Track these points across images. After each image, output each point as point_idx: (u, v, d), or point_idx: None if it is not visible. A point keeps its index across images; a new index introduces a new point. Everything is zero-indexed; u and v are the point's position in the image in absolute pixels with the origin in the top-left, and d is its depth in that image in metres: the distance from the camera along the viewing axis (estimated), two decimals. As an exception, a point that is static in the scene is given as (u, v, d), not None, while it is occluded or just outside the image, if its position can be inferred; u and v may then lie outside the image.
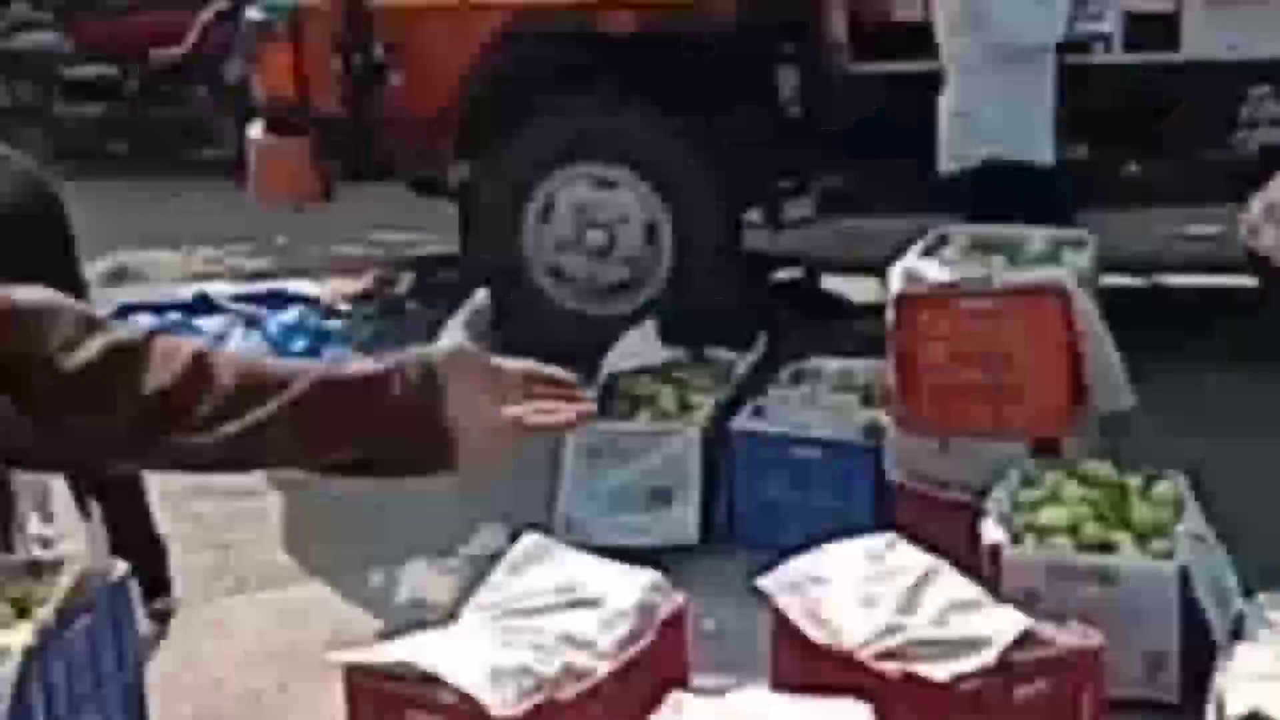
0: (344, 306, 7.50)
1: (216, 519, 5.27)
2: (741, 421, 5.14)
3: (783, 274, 7.86)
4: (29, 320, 1.64)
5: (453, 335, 4.73)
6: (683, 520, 5.01)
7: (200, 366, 1.67)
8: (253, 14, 7.03)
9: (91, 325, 1.66)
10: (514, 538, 3.70)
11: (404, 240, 8.61)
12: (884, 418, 4.95)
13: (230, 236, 8.32)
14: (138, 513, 4.48)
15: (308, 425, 1.68)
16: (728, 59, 6.70)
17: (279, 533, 5.24)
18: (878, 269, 5.08)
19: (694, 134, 6.60)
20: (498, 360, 1.75)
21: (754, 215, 7.00)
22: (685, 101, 6.60)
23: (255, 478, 4.99)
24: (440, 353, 1.74)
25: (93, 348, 1.64)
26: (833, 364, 5.64)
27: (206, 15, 9.91)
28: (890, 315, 4.71)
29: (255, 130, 7.00)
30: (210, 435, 1.65)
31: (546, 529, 4.28)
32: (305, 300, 7.41)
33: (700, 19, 6.59)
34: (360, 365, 1.73)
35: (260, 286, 7.66)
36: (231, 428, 1.65)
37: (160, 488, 4.57)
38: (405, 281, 8.05)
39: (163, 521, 4.61)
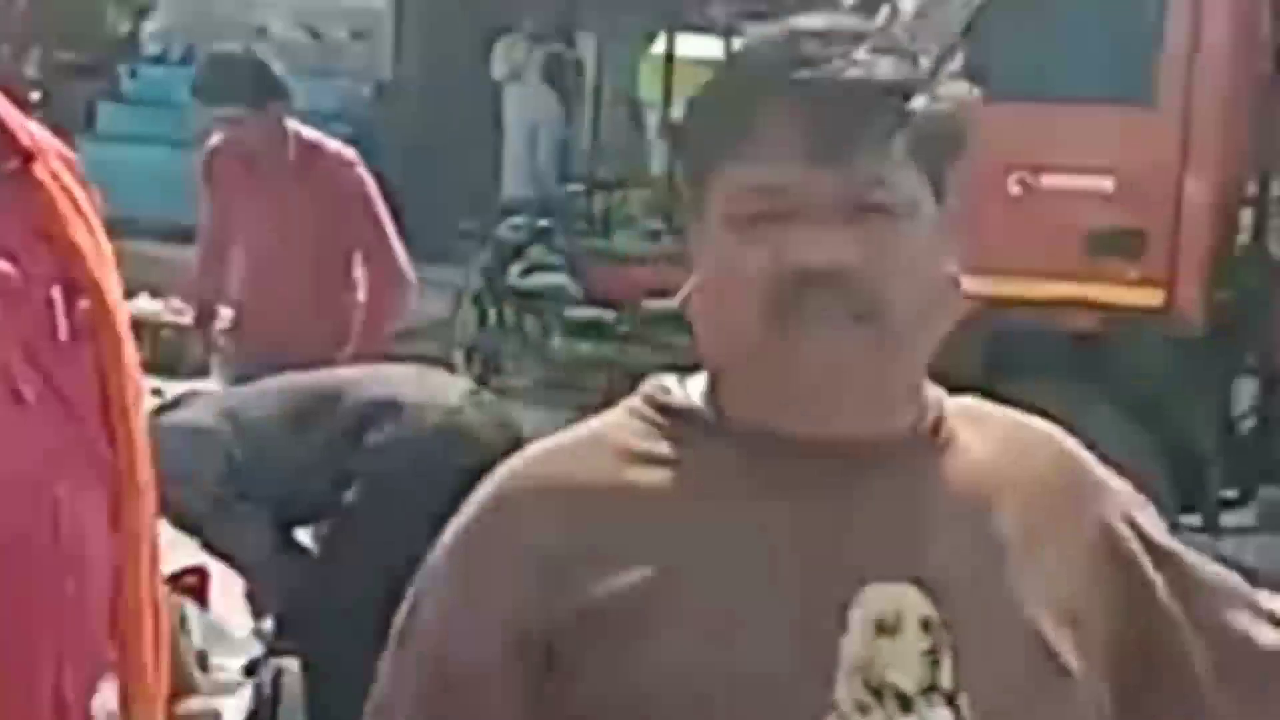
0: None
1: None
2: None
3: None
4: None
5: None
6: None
7: None
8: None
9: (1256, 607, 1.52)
10: None
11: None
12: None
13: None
14: None
15: None
16: (1189, 365, 6.71)
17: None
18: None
19: (1142, 435, 6.58)
20: None
21: (1194, 520, 6.88)
22: (1139, 402, 6.62)
23: None
24: None
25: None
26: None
27: (699, 273, 10.49)
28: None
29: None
30: None
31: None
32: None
33: (1167, 324, 6.64)
34: None
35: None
36: None
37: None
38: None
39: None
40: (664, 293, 10.83)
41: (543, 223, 11.11)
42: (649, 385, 1.45)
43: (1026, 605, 1.38)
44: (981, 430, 1.45)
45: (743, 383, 1.38)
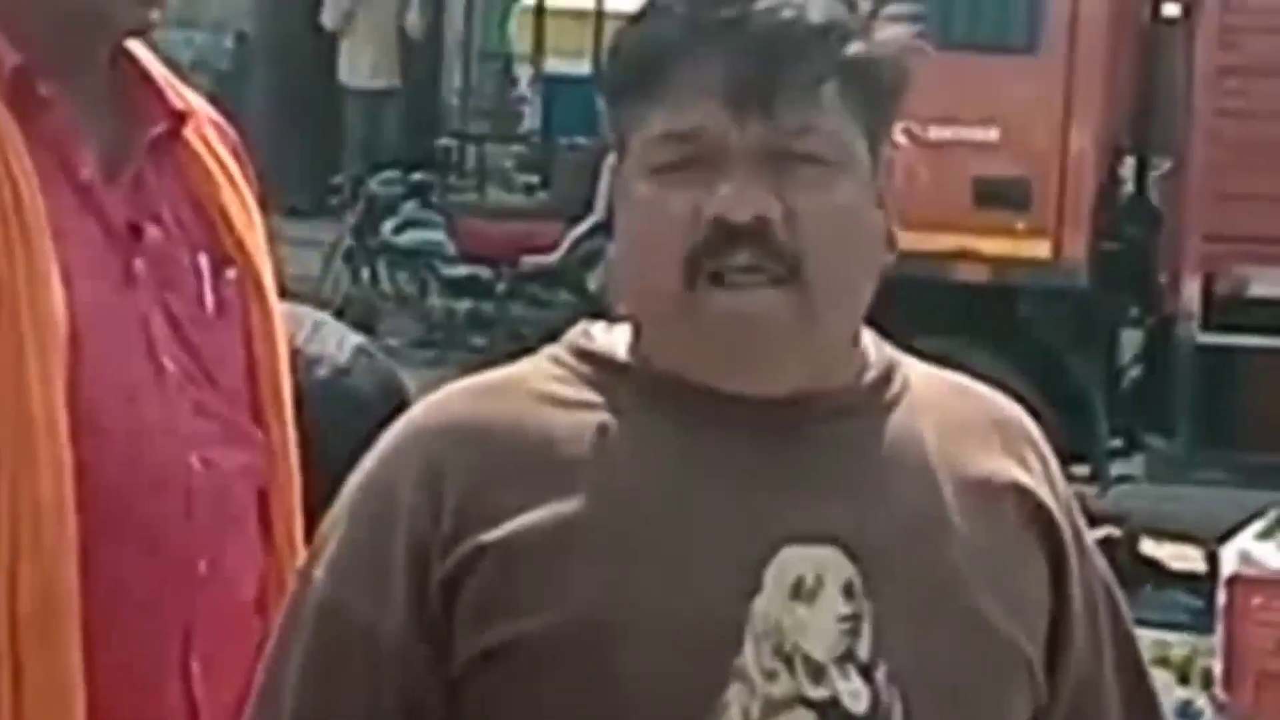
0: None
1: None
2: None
3: (1099, 532, 7.57)
4: None
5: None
6: None
7: None
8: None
9: None
10: None
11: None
12: (1200, 701, 4.67)
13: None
14: None
15: None
16: (1074, 315, 6.61)
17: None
18: (1200, 540, 4.82)
19: (1030, 386, 6.48)
20: None
21: (1083, 470, 6.79)
22: (1026, 352, 6.50)
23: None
24: None
25: None
26: (1147, 634, 5.34)
27: (580, 229, 10.19)
28: (1221, 597, 4.46)
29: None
30: None
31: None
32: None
33: (1052, 275, 6.51)
34: None
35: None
36: None
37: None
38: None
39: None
40: (539, 249, 10.62)
41: (417, 177, 10.71)
42: (573, 331, 1.37)
43: (960, 574, 1.29)
44: (959, 401, 1.37)
45: (661, 334, 1.31)
